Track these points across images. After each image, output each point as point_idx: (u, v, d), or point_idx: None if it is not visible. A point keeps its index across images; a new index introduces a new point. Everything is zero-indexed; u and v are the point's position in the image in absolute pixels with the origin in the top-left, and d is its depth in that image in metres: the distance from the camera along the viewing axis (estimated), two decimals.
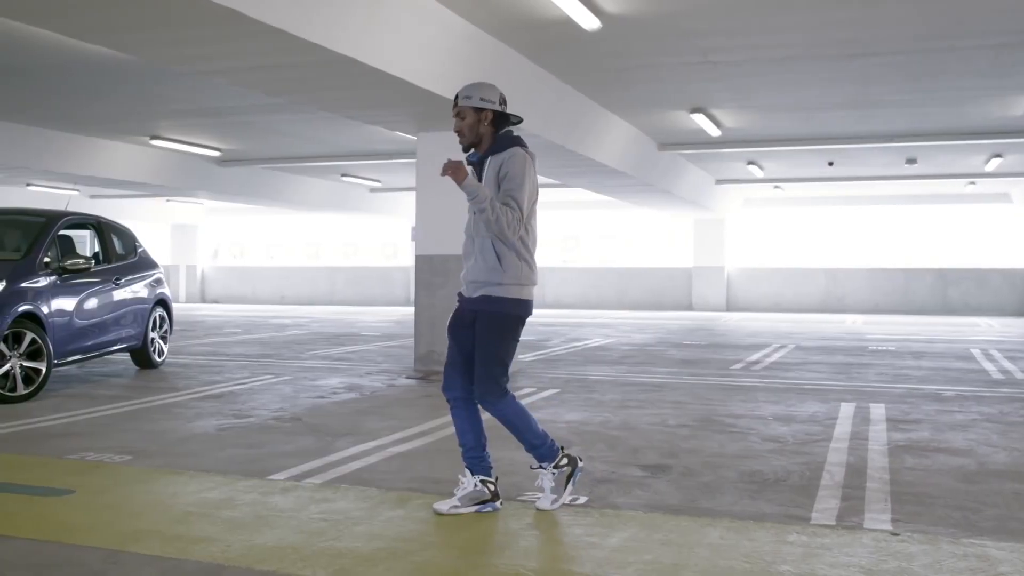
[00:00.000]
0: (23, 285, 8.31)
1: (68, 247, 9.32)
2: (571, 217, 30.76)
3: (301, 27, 6.85)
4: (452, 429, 6.83)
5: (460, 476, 4.59)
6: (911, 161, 19.10)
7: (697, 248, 27.14)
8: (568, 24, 8.74)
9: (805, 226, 29.05)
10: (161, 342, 10.91)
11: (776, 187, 24.05)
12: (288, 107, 13.05)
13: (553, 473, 4.54)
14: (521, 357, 12.05)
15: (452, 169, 4.25)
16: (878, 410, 7.88)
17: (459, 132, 4.52)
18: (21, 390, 8.05)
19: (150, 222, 30.27)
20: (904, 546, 4.01)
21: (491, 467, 4.59)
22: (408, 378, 10.03)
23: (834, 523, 4.40)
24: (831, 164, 19.79)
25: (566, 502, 4.61)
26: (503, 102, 4.52)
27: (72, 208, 11.12)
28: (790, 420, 7.38)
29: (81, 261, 8.95)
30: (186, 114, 14.35)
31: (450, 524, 4.32)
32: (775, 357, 12.70)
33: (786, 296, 26.56)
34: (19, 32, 9.29)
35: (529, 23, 9.02)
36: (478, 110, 4.47)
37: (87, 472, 5.37)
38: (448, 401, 4.60)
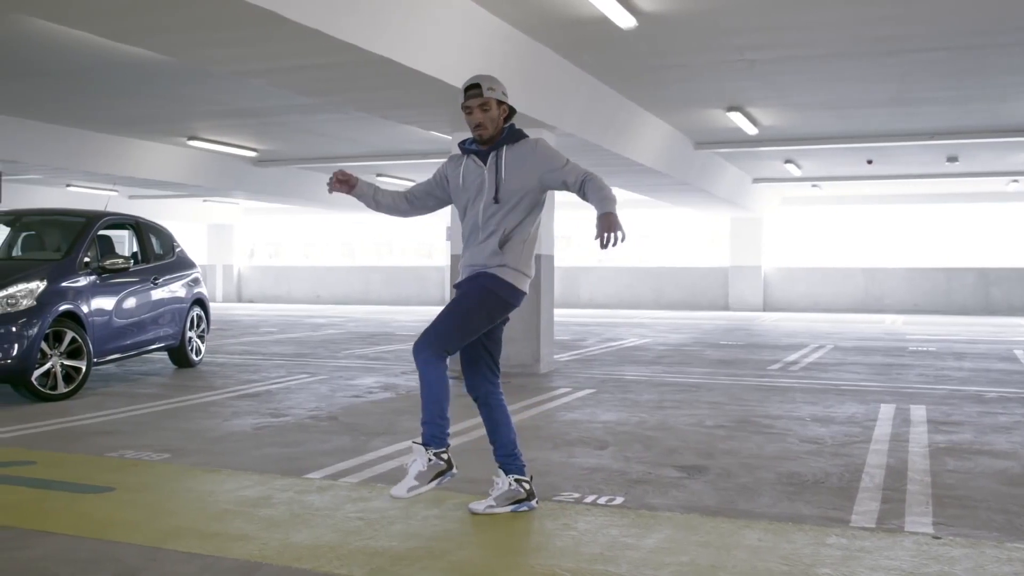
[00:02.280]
0: (63, 285, 8.41)
1: (107, 247, 9.41)
2: None
3: (338, 28, 6.87)
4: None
5: (494, 476, 4.56)
6: (952, 159, 18.85)
7: (734, 247, 26.96)
8: (604, 23, 8.70)
9: (843, 225, 28.81)
10: (198, 341, 11.00)
11: (814, 186, 23.82)
12: (324, 107, 13.12)
13: (430, 460, 4.21)
14: (557, 357, 12.03)
15: (611, 227, 4.14)
16: (919, 411, 7.78)
17: (481, 125, 4.39)
18: (62, 388, 8.14)
19: (187, 222, 30.56)
20: (946, 550, 3.94)
21: (524, 465, 4.54)
22: None
23: (874, 526, 4.34)
24: (870, 162, 19.57)
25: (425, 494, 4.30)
26: None
27: (111, 208, 11.26)
28: (829, 421, 7.29)
29: (120, 261, 9.04)
30: (223, 115, 14.47)
31: (485, 524, 4.31)
32: (813, 358, 12.58)
33: (824, 296, 26.31)
34: (59, 35, 9.40)
35: (565, 22, 9.00)
36: (500, 103, 4.42)
37: (126, 470, 5.42)
38: (475, 401, 4.56)
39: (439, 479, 4.26)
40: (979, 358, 12.55)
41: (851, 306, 25.95)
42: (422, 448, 4.26)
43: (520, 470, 4.50)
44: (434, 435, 4.27)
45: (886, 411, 7.80)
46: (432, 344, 4.28)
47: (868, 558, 3.82)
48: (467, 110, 4.41)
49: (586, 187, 4.29)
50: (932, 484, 5.17)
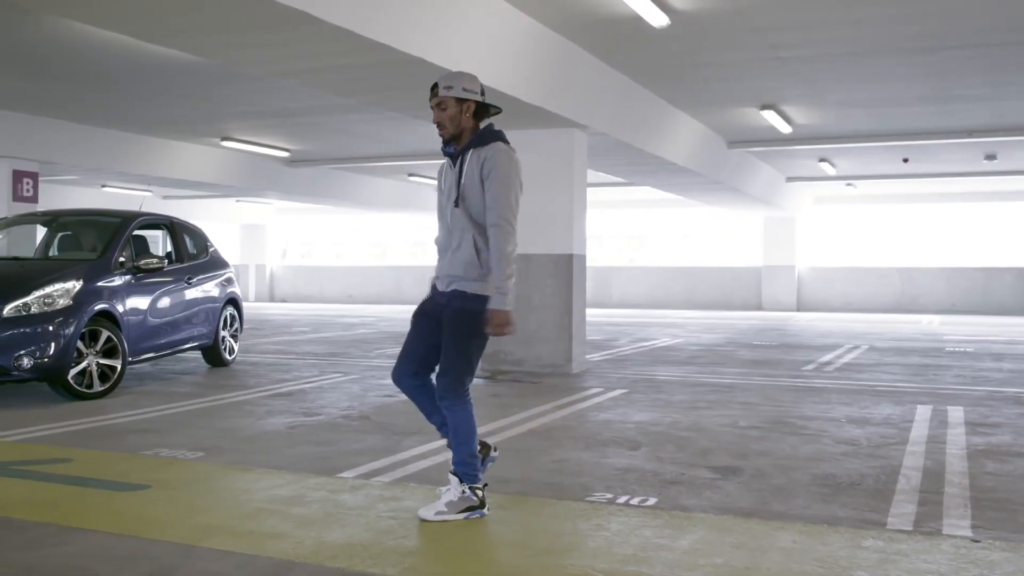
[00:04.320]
0: (99, 284, 8.49)
1: (142, 247, 9.49)
2: (638, 216, 30.61)
3: (370, 28, 6.88)
4: (520, 429, 6.85)
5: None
6: (990, 157, 18.61)
7: (767, 247, 26.77)
8: (637, 21, 8.66)
9: (879, 224, 28.52)
10: (232, 340, 11.07)
11: (848, 185, 23.60)
12: (356, 107, 13.18)
13: (463, 492, 4.31)
14: (589, 357, 12.00)
15: (503, 326, 4.14)
16: (956, 413, 7.68)
17: (439, 124, 4.33)
18: (97, 387, 8.22)
19: (220, 222, 30.81)
20: (985, 553, 3.89)
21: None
22: (475, 377, 10.01)
23: (911, 528, 4.28)
24: (906, 161, 19.36)
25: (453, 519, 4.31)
26: (483, 93, 4.38)
27: (145, 209, 11.37)
28: (864, 422, 7.22)
29: (154, 261, 9.11)
30: (256, 115, 14.57)
31: (518, 524, 4.30)
32: (848, 358, 12.46)
33: (859, 296, 26.06)
34: (95, 36, 9.51)
35: (597, 21, 8.97)
36: (460, 101, 4.30)
37: (161, 468, 5.46)
38: (403, 392, 4.50)
39: (469, 513, 4.32)
40: (1018, 359, 12.37)
41: (887, 306, 25.68)
42: (457, 480, 4.34)
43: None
44: (467, 473, 4.35)
45: (923, 412, 7.71)
46: (451, 389, 4.32)
47: (905, 561, 3.77)
48: (432, 109, 4.37)
49: (490, 232, 4.17)
50: (970, 487, 5.10)
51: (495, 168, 4.20)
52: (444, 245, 4.39)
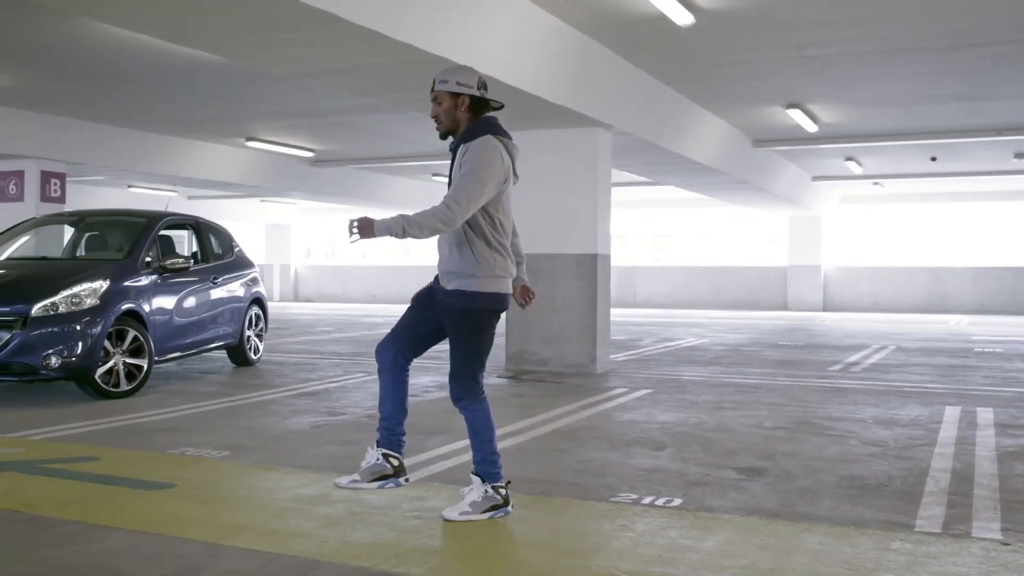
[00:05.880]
0: (126, 284, 8.55)
1: (168, 247, 9.54)
2: (663, 215, 30.51)
3: (395, 28, 6.89)
4: (544, 429, 6.84)
5: (368, 447, 4.53)
6: (1020, 155, 18.42)
7: (792, 246, 26.60)
8: (661, 20, 8.63)
9: (906, 224, 28.33)
10: (257, 340, 11.12)
11: (875, 184, 23.42)
12: (380, 107, 13.20)
13: (485, 491, 4.30)
14: (613, 357, 11.97)
15: (361, 229, 4.07)
16: (985, 414, 7.60)
17: (435, 118, 4.32)
18: (124, 386, 8.27)
19: (245, 222, 30.96)
20: (1016, 556, 3.84)
21: (402, 442, 4.49)
22: (499, 377, 10.03)
23: (940, 531, 4.24)
24: (934, 159, 19.19)
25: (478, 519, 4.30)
26: (482, 87, 4.31)
27: (171, 209, 11.44)
28: (891, 423, 7.15)
29: (180, 260, 9.16)
30: (281, 116, 14.63)
31: (542, 524, 4.29)
32: (875, 358, 12.36)
33: (886, 296, 25.85)
34: (121, 38, 9.57)
35: (622, 20, 8.94)
36: (454, 95, 4.27)
37: (187, 467, 5.49)
38: (379, 366, 4.44)
39: (493, 512, 4.31)
40: None
41: (914, 306, 25.46)
42: (479, 480, 4.33)
43: (394, 446, 4.49)
44: (488, 472, 4.34)
45: (951, 413, 7.63)
46: (466, 389, 4.30)
47: (934, 564, 3.73)
48: (430, 104, 4.38)
49: (439, 203, 4.13)
50: (1000, 489, 5.04)
51: (469, 155, 4.17)
52: (441, 241, 4.38)
